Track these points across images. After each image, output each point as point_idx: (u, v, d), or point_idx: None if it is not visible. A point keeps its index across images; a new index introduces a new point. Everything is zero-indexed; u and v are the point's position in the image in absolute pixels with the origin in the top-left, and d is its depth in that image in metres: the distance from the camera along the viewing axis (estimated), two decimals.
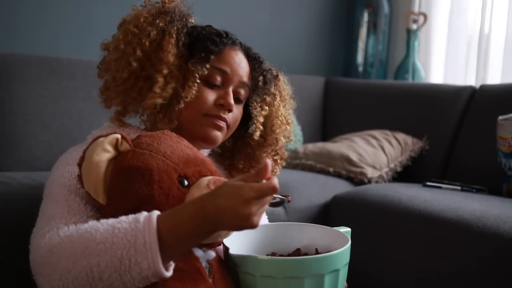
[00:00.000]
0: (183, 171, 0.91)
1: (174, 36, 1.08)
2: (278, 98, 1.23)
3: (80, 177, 0.91)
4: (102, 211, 0.92)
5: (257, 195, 0.76)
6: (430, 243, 1.56)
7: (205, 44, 1.10)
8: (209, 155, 1.25)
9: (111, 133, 0.92)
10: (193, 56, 1.10)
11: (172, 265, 0.83)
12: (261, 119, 1.19)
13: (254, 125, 1.18)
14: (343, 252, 0.89)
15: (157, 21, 1.08)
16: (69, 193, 0.94)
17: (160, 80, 1.06)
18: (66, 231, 0.85)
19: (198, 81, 1.08)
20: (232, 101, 1.11)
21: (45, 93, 1.87)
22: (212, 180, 0.89)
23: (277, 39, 2.92)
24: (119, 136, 0.91)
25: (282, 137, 1.22)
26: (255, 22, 2.82)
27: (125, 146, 0.92)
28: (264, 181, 0.78)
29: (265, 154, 1.22)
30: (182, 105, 1.08)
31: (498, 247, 1.40)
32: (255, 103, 1.19)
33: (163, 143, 0.94)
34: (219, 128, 1.12)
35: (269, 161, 0.79)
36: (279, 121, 1.21)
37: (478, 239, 1.45)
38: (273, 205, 0.95)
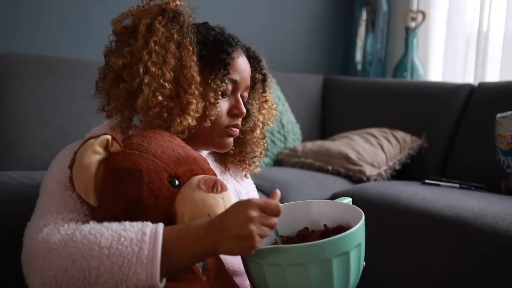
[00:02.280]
0: (174, 171, 0.91)
1: (190, 49, 1.06)
2: (265, 81, 1.24)
3: (71, 179, 0.91)
4: (94, 213, 0.92)
5: (262, 204, 0.81)
6: (428, 241, 1.56)
7: (221, 58, 1.08)
8: (208, 153, 1.24)
9: (101, 134, 0.91)
10: (207, 67, 1.08)
11: (164, 279, 0.84)
12: (261, 118, 1.20)
13: (252, 123, 1.20)
14: (361, 226, 0.89)
15: (172, 31, 1.05)
16: (65, 189, 0.95)
17: (193, 101, 1.03)
18: (66, 229, 0.85)
19: (220, 97, 1.08)
20: (244, 109, 1.12)
21: (44, 92, 1.86)
22: (202, 179, 0.89)
23: (276, 37, 2.92)
24: (109, 137, 0.91)
25: (270, 122, 1.25)
26: (253, 20, 2.82)
27: (115, 147, 0.91)
28: None
29: (254, 139, 1.22)
30: (209, 124, 1.08)
31: (496, 244, 1.41)
32: (253, 101, 1.19)
33: (154, 143, 0.94)
34: (234, 136, 1.14)
35: (278, 191, 0.84)
36: (268, 107, 1.24)
37: (477, 236, 1.45)
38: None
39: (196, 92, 1.04)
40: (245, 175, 1.28)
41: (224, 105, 1.11)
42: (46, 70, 1.89)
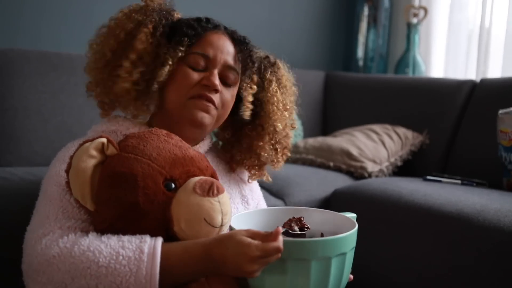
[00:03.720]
0: (170, 174, 0.90)
1: (150, 27, 1.09)
2: (274, 84, 1.21)
3: (68, 184, 0.91)
4: (92, 217, 0.92)
5: (262, 254, 0.80)
6: (430, 237, 1.56)
7: (181, 29, 1.11)
8: (210, 149, 1.24)
9: (97, 137, 0.91)
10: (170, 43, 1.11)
11: None
12: (250, 98, 1.17)
13: (243, 106, 1.17)
14: (351, 235, 0.89)
15: (134, 15, 1.10)
16: (64, 193, 0.95)
17: (126, 65, 1.07)
18: (66, 241, 0.85)
19: (170, 62, 1.08)
20: (216, 81, 1.10)
21: (45, 88, 1.86)
22: (198, 182, 0.88)
23: (277, 33, 2.92)
24: (105, 140, 0.91)
25: (279, 124, 1.20)
26: (254, 16, 2.82)
27: (111, 150, 0.91)
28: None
29: (261, 143, 1.20)
30: (156, 86, 1.09)
31: (498, 240, 1.41)
32: (244, 84, 1.18)
33: (150, 145, 0.93)
34: (206, 110, 1.10)
35: (280, 228, 0.83)
36: (275, 108, 1.19)
37: (479, 232, 1.45)
38: (293, 237, 0.96)
39: (133, 56, 1.07)
40: (248, 180, 1.26)
41: (196, 76, 1.10)
42: (47, 66, 1.88)
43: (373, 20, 3.13)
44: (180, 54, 1.09)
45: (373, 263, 1.72)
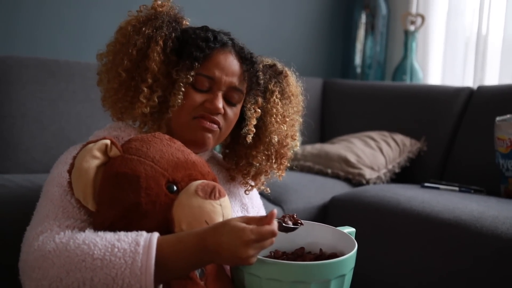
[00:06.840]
0: (172, 176, 0.90)
1: (161, 43, 1.08)
2: (276, 95, 1.19)
3: (70, 183, 0.91)
4: (93, 217, 0.92)
5: (257, 238, 0.80)
6: (428, 244, 1.56)
7: (190, 51, 1.09)
8: (211, 157, 1.24)
9: (100, 139, 0.91)
10: (180, 63, 1.09)
11: (160, 285, 0.85)
12: (254, 121, 1.15)
13: (246, 128, 1.15)
14: (351, 257, 0.89)
15: (144, 28, 1.08)
16: (65, 194, 0.95)
17: (145, 90, 1.06)
18: (62, 237, 0.85)
19: (182, 89, 1.07)
20: (219, 105, 1.09)
21: (44, 95, 1.86)
22: (200, 185, 0.88)
23: (275, 40, 2.93)
24: (108, 141, 0.91)
25: (275, 136, 1.17)
26: (253, 24, 2.82)
27: (114, 152, 0.91)
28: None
29: (255, 153, 1.18)
30: (170, 114, 1.09)
31: (496, 247, 1.41)
32: (249, 104, 1.16)
33: (153, 147, 0.93)
34: (209, 130, 1.10)
35: (275, 210, 0.82)
36: (273, 120, 1.17)
37: (476, 239, 1.45)
38: (286, 230, 0.95)
39: (150, 81, 1.07)
40: (245, 192, 1.24)
41: (200, 97, 1.10)
42: (45, 73, 1.89)
43: (371, 28, 3.14)
44: (191, 80, 1.08)
45: (371, 270, 1.71)
